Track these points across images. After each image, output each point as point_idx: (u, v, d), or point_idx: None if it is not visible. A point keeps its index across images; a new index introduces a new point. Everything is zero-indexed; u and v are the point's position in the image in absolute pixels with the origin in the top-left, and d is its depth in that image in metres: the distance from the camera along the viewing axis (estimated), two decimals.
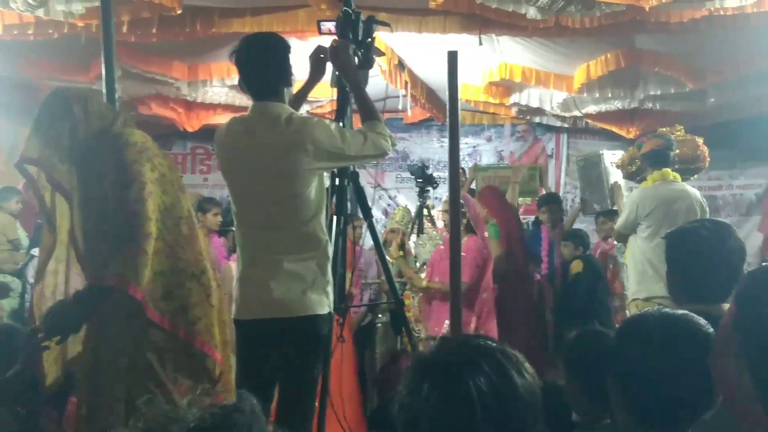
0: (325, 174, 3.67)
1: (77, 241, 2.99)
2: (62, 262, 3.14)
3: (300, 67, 3.77)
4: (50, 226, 3.11)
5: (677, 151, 6.21)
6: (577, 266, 6.91)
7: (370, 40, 3.91)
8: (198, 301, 2.83)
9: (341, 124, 3.75)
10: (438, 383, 1.49)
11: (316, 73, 3.87)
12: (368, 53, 3.94)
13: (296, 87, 3.78)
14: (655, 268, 5.60)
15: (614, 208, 7.14)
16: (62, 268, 3.14)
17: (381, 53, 4.14)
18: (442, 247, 6.32)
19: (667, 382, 1.82)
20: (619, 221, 6.05)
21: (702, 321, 1.93)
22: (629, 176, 6.81)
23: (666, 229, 5.53)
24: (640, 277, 5.76)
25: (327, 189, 3.68)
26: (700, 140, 6.52)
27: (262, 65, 3.42)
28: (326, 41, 3.90)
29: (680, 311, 2.10)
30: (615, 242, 6.96)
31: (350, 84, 3.79)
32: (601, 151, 7.57)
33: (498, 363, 1.49)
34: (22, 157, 2.95)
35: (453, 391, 1.46)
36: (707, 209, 5.86)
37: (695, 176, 6.83)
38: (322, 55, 3.82)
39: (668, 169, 5.89)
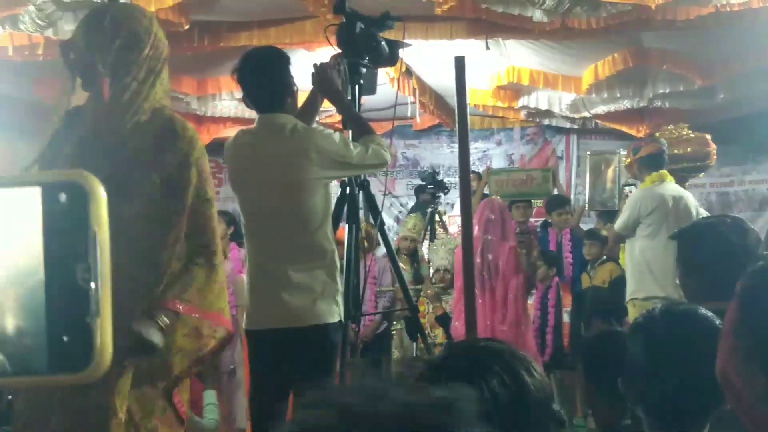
0: (335, 182, 3.67)
1: None
2: None
3: (307, 78, 3.79)
4: None
5: (689, 149, 6.22)
6: (615, 270, 6.86)
7: (375, 43, 3.89)
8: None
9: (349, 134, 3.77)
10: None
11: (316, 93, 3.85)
12: (378, 54, 3.92)
13: (301, 98, 3.78)
14: (653, 269, 5.62)
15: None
16: None
17: (405, 44, 4.10)
18: None
19: (679, 377, 1.81)
20: (619, 223, 5.99)
21: (709, 313, 1.93)
22: (633, 176, 6.82)
23: (666, 228, 5.56)
24: (639, 277, 5.77)
25: (337, 198, 3.69)
26: (708, 137, 6.51)
27: (264, 79, 3.45)
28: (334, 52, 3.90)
29: (684, 305, 2.10)
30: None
31: (335, 105, 3.81)
32: (618, 150, 7.56)
33: (508, 364, 1.49)
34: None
35: None
36: (700, 211, 5.86)
37: (704, 173, 6.83)
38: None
39: (665, 171, 5.91)
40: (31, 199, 0.66)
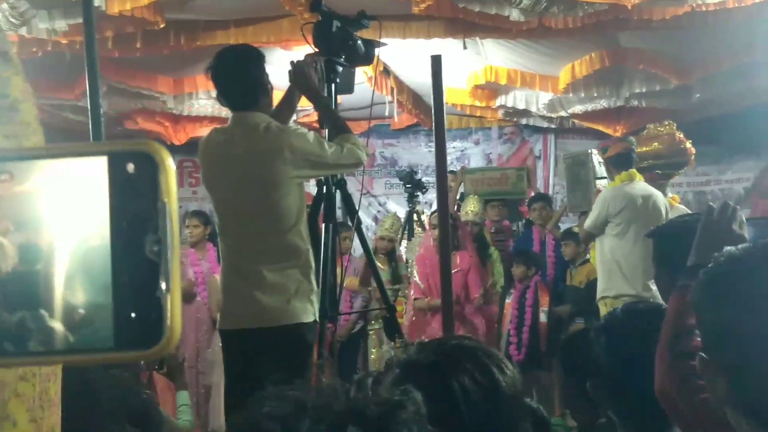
0: (312, 181, 3.65)
1: None
2: None
3: (284, 77, 3.77)
4: None
5: (652, 146, 6.26)
6: (594, 272, 6.87)
7: (351, 42, 3.89)
8: None
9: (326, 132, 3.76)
10: (420, 383, 1.49)
11: (293, 89, 3.84)
12: (354, 53, 3.92)
13: (277, 97, 3.76)
14: (622, 267, 5.66)
15: None
16: None
17: (380, 44, 4.10)
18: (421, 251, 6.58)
19: (645, 375, 1.81)
20: (588, 222, 6.02)
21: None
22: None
23: (635, 227, 5.61)
24: (608, 276, 5.82)
25: (314, 197, 3.68)
26: (679, 134, 6.54)
27: (237, 78, 3.44)
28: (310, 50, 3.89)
29: (644, 304, 2.10)
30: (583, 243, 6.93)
31: (312, 103, 3.79)
32: (589, 150, 7.58)
33: (479, 360, 1.49)
34: None
35: (436, 390, 1.46)
36: (670, 210, 5.89)
37: (681, 171, 6.85)
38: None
39: (634, 170, 5.95)
40: (98, 169, 0.64)
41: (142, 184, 0.63)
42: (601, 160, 7.08)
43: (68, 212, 0.64)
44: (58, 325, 0.63)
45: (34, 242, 0.64)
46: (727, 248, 1.36)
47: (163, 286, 0.63)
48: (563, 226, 7.92)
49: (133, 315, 0.63)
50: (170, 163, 0.64)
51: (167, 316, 0.63)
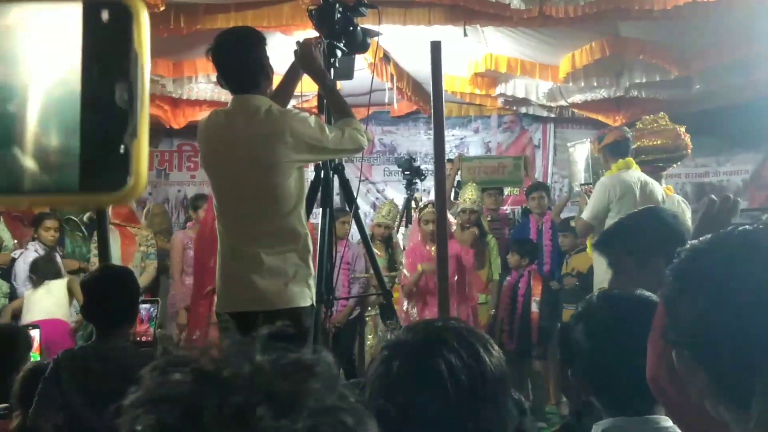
0: (310, 167, 3.64)
1: None
2: None
3: (284, 61, 3.76)
4: None
5: (658, 141, 6.25)
6: (590, 260, 6.85)
7: (351, 28, 3.89)
8: None
9: (325, 117, 3.76)
10: (407, 362, 1.50)
11: (294, 69, 3.84)
12: (353, 39, 3.91)
13: (276, 81, 3.75)
14: None
15: None
16: None
17: (376, 33, 4.10)
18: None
19: (625, 359, 1.80)
20: (587, 213, 5.84)
21: (645, 293, 1.94)
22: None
23: None
24: (605, 266, 5.74)
25: (311, 182, 3.68)
26: (681, 129, 6.54)
27: (239, 60, 3.42)
28: (312, 34, 3.89)
29: (618, 290, 2.12)
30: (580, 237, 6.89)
31: (318, 83, 3.78)
32: (586, 139, 7.59)
33: (465, 340, 1.51)
34: None
35: (423, 369, 1.48)
36: (665, 199, 5.87)
37: (679, 163, 6.86)
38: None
39: (630, 158, 5.92)
40: (72, 15, 0.64)
41: (116, 33, 0.63)
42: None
43: (41, 56, 0.64)
44: (26, 165, 0.64)
45: (6, 82, 0.64)
46: (690, 242, 1.37)
47: (131, 132, 0.63)
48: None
49: (100, 159, 0.63)
50: (145, 15, 0.64)
51: (134, 162, 0.63)
